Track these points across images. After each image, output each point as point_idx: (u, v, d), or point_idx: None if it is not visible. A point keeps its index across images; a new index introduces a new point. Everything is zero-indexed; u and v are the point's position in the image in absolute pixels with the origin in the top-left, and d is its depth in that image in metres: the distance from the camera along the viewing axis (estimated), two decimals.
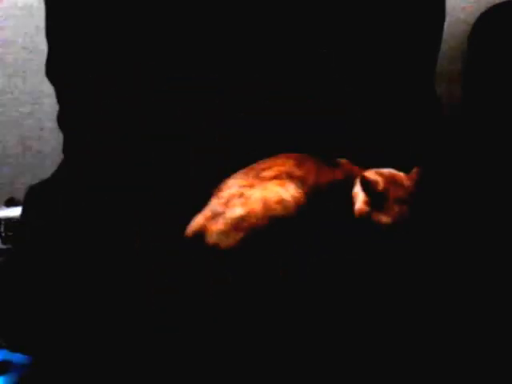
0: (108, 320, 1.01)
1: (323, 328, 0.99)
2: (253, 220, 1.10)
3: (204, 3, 1.35)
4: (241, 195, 1.13)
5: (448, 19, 1.44)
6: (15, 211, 1.48)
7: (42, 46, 1.40)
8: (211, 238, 1.09)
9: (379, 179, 1.14)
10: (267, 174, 1.17)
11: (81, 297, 1.05)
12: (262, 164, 1.20)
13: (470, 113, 1.52)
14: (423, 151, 1.32)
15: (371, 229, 1.12)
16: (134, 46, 1.34)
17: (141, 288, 1.04)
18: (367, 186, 1.14)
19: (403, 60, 1.38)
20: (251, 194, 1.13)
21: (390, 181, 1.15)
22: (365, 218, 1.13)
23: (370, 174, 1.16)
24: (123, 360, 0.97)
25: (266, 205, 1.12)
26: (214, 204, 1.14)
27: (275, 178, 1.17)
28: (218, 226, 1.10)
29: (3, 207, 1.62)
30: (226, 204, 1.13)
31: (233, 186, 1.16)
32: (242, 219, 1.10)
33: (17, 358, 1.01)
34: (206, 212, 1.14)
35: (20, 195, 1.45)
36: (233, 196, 1.14)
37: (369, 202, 1.13)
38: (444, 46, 1.44)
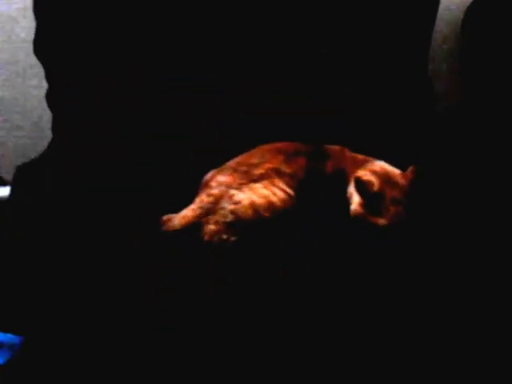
0: (106, 315, 1.01)
1: (323, 328, 0.99)
2: (243, 225, 1.12)
3: (204, 3, 1.36)
4: (230, 197, 1.14)
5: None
6: (3, 191, 1.44)
7: None
8: (206, 237, 1.11)
9: (374, 180, 1.13)
10: (256, 171, 1.18)
11: (73, 285, 1.06)
12: (251, 157, 1.21)
13: (469, 105, 1.51)
14: (419, 149, 1.32)
15: (368, 230, 1.11)
16: (133, 46, 1.35)
17: (141, 288, 1.04)
18: (362, 186, 1.12)
19: (401, 58, 1.39)
20: (240, 198, 1.14)
21: (385, 180, 1.14)
22: (361, 219, 1.12)
23: (365, 175, 1.14)
24: (122, 358, 0.98)
25: (255, 211, 1.13)
26: (203, 201, 1.15)
27: (264, 176, 1.17)
28: (210, 226, 1.12)
29: None
30: (215, 203, 1.14)
31: (221, 184, 1.17)
32: (232, 224, 1.12)
33: (8, 338, 1.00)
34: (195, 207, 1.15)
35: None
36: (221, 196, 1.14)
37: (364, 204, 1.12)
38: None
